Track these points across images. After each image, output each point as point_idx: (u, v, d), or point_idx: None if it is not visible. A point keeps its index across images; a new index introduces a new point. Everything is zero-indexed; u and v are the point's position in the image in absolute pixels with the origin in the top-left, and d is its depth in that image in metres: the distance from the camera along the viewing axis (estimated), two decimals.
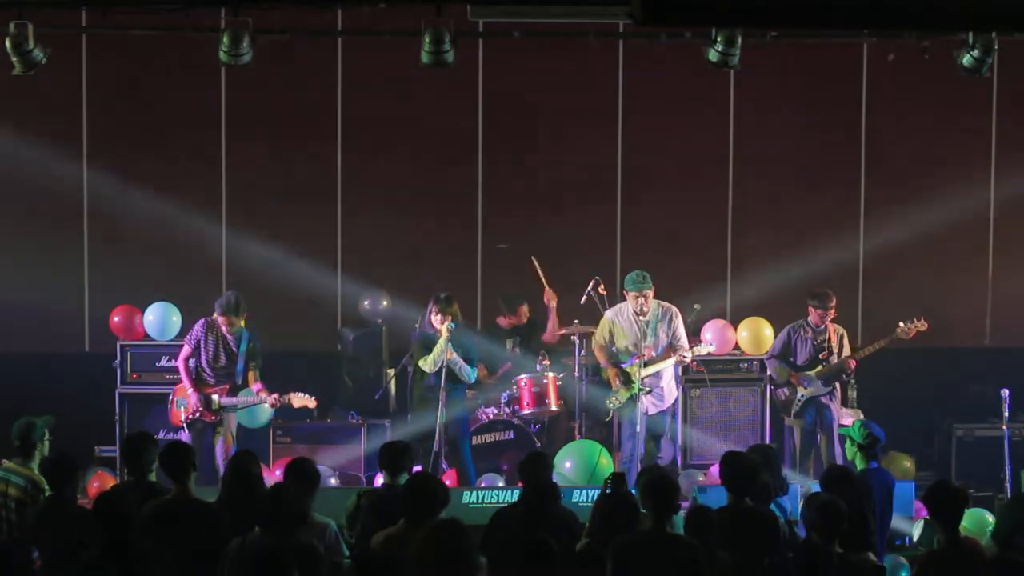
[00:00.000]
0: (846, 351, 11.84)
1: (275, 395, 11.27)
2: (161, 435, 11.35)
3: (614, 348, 11.60)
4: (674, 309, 11.63)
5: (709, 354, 11.94)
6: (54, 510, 8.10)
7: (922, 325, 11.72)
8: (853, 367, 11.82)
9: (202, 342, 11.37)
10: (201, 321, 11.47)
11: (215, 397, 11.33)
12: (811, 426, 11.82)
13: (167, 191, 12.94)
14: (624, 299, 11.65)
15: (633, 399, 11.39)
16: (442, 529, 6.63)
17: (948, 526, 7.61)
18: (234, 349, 11.37)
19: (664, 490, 7.45)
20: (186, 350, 11.44)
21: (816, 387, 11.79)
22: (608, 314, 11.68)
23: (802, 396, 11.78)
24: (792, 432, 12.02)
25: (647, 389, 11.42)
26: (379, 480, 9.65)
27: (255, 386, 11.36)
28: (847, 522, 7.50)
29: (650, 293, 11.48)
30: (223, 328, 11.34)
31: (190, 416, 11.35)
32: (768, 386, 12.34)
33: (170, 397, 11.53)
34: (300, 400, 11.34)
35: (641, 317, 11.49)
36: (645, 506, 7.46)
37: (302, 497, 7.46)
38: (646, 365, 11.44)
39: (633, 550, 7.21)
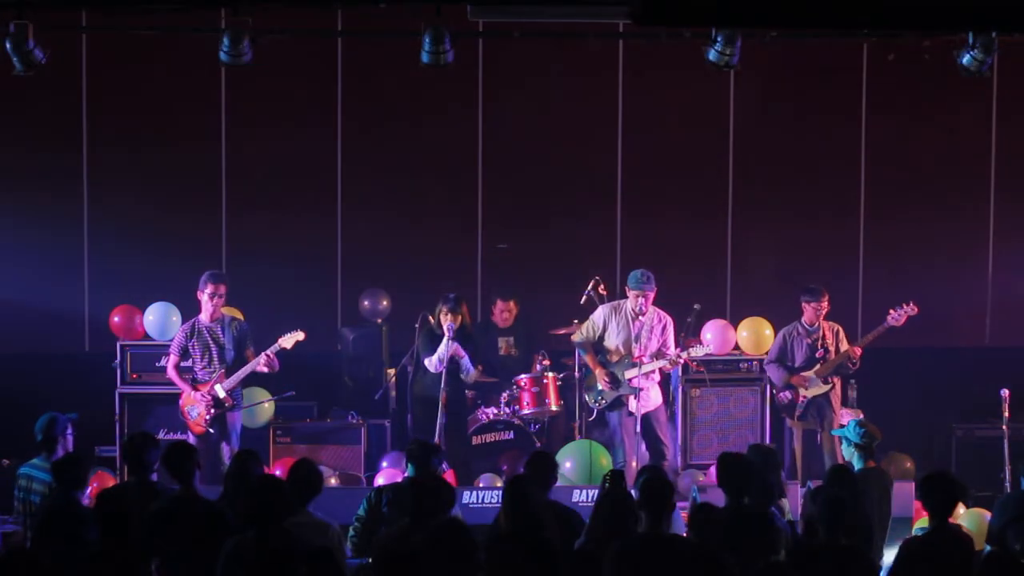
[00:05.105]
0: (844, 345, 11.81)
1: (264, 354, 11.21)
2: (162, 435, 11.35)
3: (605, 344, 11.52)
4: (669, 318, 11.53)
5: (707, 355, 11.92)
6: (59, 509, 8.11)
7: (912, 310, 11.67)
8: (859, 354, 11.77)
9: (188, 346, 11.39)
10: (181, 329, 11.54)
11: (218, 387, 11.32)
12: (813, 427, 11.81)
13: (167, 190, 12.96)
14: (625, 296, 11.59)
15: (619, 400, 11.38)
16: (445, 529, 6.64)
17: (937, 514, 7.66)
18: (220, 337, 11.37)
19: (658, 490, 7.47)
20: (173, 359, 11.44)
21: (817, 387, 11.78)
22: (604, 309, 11.56)
23: (805, 398, 11.77)
24: (793, 434, 12.02)
25: (637, 389, 11.36)
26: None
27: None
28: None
29: (651, 295, 11.40)
30: (205, 320, 11.37)
31: (208, 418, 11.33)
32: (768, 387, 12.34)
33: (180, 408, 11.46)
34: (290, 340, 11.30)
35: (638, 319, 11.41)
36: (641, 507, 7.48)
37: (290, 495, 7.36)
38: (633, 367, 11.37)
39: (630, 551, 7.22)
